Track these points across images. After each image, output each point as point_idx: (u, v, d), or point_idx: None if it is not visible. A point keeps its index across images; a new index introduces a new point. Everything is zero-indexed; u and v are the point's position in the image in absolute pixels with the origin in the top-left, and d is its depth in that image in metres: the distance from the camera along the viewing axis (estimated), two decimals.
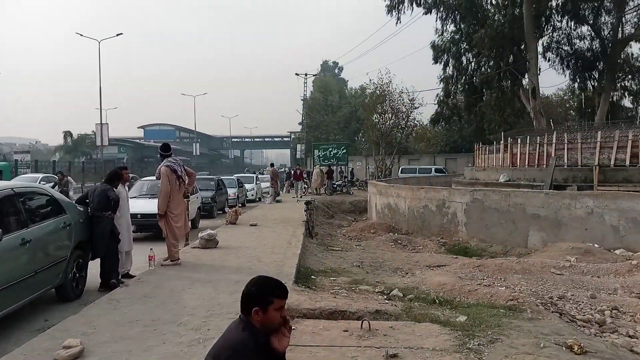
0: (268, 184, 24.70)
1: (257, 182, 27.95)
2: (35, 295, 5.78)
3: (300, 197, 24.24)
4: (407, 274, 8.80)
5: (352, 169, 41.04)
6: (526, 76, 30.16)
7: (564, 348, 4.48)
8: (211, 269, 7.87)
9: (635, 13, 30.51)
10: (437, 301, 6.41)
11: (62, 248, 6.38)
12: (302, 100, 56.12)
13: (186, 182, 8.81)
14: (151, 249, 8.05)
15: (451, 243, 13.04)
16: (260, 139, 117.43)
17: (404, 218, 15.64)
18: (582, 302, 6.56)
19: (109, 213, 7.13)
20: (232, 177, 24.43)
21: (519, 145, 21.23)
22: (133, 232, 8.76)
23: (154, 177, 14.53)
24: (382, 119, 35.44)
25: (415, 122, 38.17)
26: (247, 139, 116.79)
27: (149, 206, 11.58)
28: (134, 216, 9.53)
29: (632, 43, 31.20)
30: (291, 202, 22.32)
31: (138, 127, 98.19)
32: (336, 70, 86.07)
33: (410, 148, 46.33)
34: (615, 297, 6.80)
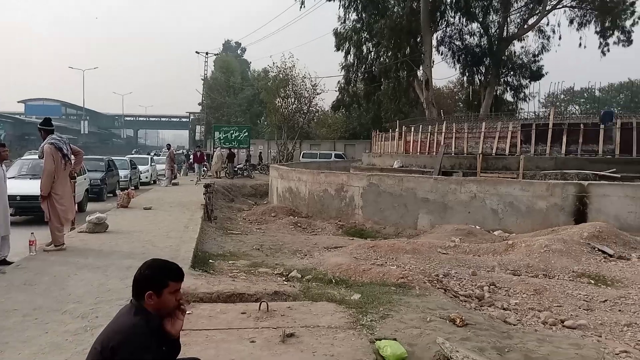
0: (164, 166, 23.78)
1: (152, 163, 26.79)
2: None
3: (199, 180, 23.54)
4: (306, 255, 8.96)
5: (260, 152, 40.75)
6: (421, 68, 31.69)
7: (447, 321, 4.84)
8: (100, 254, 7.44)
9: (518, 14, 33.24)
10: (334, 281, 6.61)
11: None
12: (202, 80, 54.31)
13: (72, 161, 8.21)
14: (32, 233, 7.42)
15: (348, 225, 13.46)
16: (156, 119, 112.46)
17: (304, 202, 15.86)
18: (465, 279, 7.11)
19: None
20: (124, 158, 23.19)
21: (412, 133, 22.33)
22: (11, 215, 8.01)
23: (35, 156, 13.42)
24: (285, 103, 35.50)
25: (317, 107, 38.74)
26: (141, 118, 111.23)
27: (30, 187, 10.67)
28: (12, 198, 8.73)
29: (515, 42, 33.97)
30: (189, 185, 21.69)
31: (18, 102, 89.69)
32: (239, 51, 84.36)
33: (312, 133, 46.91)
34: (493, 274, 7.45)
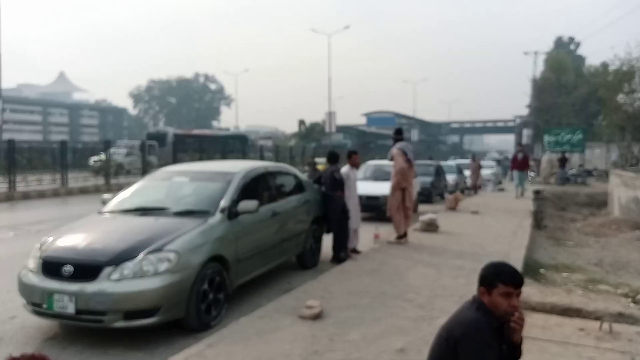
0: (489, 172, 23.66)
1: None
2: (281, 260, 6.69)
3: (520, 193, 18.53)
4: None
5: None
6: None
7: None
8: (433, 252, 7.98)
9: None
10: None
11: (302, 222, 7.23)
12: (530, 81, 51.63)
13: (414, 165, 9.17)
14: (377, 228, 8.53)
15: None
16: (481, 124, 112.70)
17: None
18: None
19: (339, 192, 7.76)
20: (452, 163, 24.09)
21: None
22: None
23: (379, 162, 15.30)
24: (629, 99, 30.58)
25: None
26: (466, 124, 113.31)
27: (373, 188, 12.23)
28: (359, 197, 10.17)
29: None
30: (514, 191, 20.94)
31: (362, 115, 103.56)
32: (572, 47, 76.83)
33: None
34: None
